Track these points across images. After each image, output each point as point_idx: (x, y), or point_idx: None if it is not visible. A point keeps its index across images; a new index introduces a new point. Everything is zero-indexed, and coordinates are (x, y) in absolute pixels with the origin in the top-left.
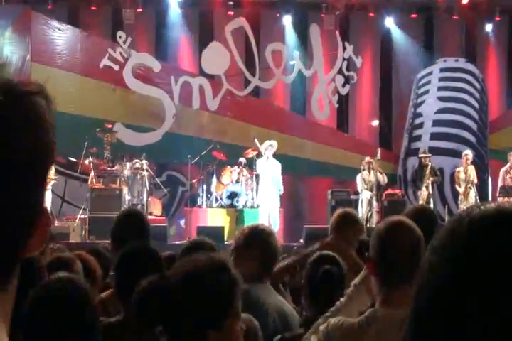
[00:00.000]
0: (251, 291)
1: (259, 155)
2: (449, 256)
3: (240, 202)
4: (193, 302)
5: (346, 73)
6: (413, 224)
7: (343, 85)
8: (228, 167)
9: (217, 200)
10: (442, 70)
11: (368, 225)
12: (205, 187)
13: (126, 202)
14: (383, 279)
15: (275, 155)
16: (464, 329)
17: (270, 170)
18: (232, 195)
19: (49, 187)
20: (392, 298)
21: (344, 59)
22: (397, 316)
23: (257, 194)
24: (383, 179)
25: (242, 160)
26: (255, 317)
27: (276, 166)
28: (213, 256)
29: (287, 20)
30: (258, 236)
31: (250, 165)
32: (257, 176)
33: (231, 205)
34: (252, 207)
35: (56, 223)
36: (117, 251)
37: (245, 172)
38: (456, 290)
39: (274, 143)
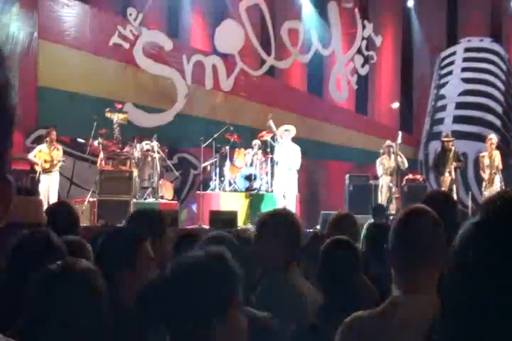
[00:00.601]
0: (285, 279)
1: (274, 137)
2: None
3: (255, 186)
4: (194, 293)
5: (366, 53)
6: (428, 211)
7: (362, 65)
8: (242, 149)
9: (230, 184)
10: (466, 50)
11: (388, 212)
12: (218, 170)
13: (137, 185)
14: (401, 268)
15: (293, 140)
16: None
17: (285, 156)
18: (250, 177)
19: (57, 168)
20: (412, 286)
21: (363, 38)
22: (419, 303)
23: (272, 178)
24: (404, 163)
25: (257, 142)
26: (293, 306)
27: (294, 151)
28: (210, 249)
29: None
30: (282, 223)
31: (265, 147)
32: (272, 159)
33: (247, 189)
34: (266, 191)
35: None
36: None
37: (260, 155)
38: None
39: (292, 128)
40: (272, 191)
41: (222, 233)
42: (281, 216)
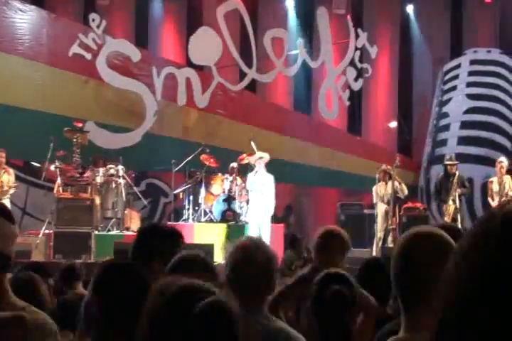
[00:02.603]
0: (269, 323)
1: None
2: (482, 255)
3: (234, 208)
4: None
5: (359, 65)
6: (438, 233)
7: (356, 79)
8: (219, 175)
9: (205, 214)
10: (472, 63)
11: (386, 244)
12: (191, 198)
13: (99, 215)
14: (402, 301)
15: (267, 168)
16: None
17: (259, 185)
18: (227, 200)
19: (7, 196)
20: (416, 322)
21: (357, 48)
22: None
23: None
24: (403, 191)
25: (236, 166)
26: None
27: (268, 180)
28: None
29: (290, 1)
30: (253, 259)
31: (245, 172)
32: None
33: (224, 217)
34: (247, 222)
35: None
36: None
37: (239, 180)
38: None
39: (266, 155)
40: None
41: (196, 253)
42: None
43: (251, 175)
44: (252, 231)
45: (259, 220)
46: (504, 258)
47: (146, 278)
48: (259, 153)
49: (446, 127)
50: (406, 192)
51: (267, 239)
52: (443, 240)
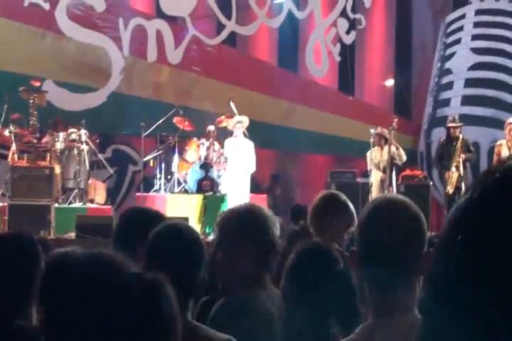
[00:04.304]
0: (251, 300)
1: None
2: (482, 211)
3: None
4: None
5: (352, 16)
6: (406, 202)
7: (348, 32)
8: (194, 139)
9: (179, 184)
10: (478, 13)
11: None
12: (163, 166)
13: (59, 186)
14: (373, 280)
15: (246, 134)
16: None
17: (239, 152)
18: (204, 168)
19: None
20: (389, 304)
21: None
22: (399, 327)
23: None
24: (400, 156)
25: (213, 129)
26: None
27: (248, 147)
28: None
29: None
30: (247, 225)
31: (225, 137)
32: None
33: (200, 185)
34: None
35: None
36: None
37: (217, 146)
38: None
39: (245, 119)
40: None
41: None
42: (246, 216)
43: (230, 140)
44: (231, 203)
45: (238, 191)
46: (505, 213)
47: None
48: (237, 117)
49: (449, 85)
50: (404, 157)
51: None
52: (402, 207)
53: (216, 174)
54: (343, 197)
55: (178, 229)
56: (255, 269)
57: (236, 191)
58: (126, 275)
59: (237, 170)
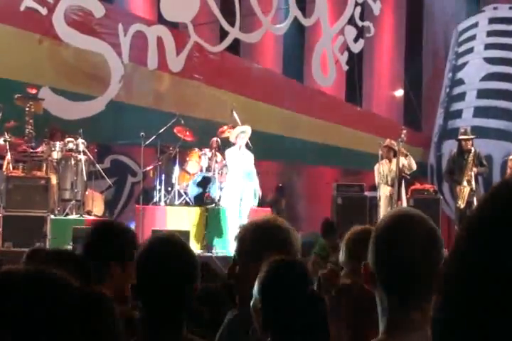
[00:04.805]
0: None
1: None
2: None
3: (212, 194)
4: None
5: (360, 23)
6: (423, 216)
7: (356, 40)
8: (196, 150)
9: (180, 195)
10: (492, 21)
11: None
12: (164, 177)
13: (56, 197)
14: (386, 296)
15: (249, 145)
16: None
17: (243, 163)
18: (204, 182)
19: None
20: (402, 321)
21: (357, 4)
22: None
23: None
24: (410, 165)
25: (215, 140)
26: None
27: (250, 159)
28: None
29: None
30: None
31: (226, 147)
32: None
33: (199, 198)
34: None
35: None
36: None
37: (219, 157)
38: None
39: (248, 129)
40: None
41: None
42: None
43: (232, 151)
44: (231, 218)
45: (245, 204)
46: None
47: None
48: (239, 128)
49: (461, 96)
50: (414, 166)
51: None
52: (420, 221)
53: (218, 186)
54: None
55: (167, 241)
56: None
57: (238, 204)
58: (69, 292)
59: (240, 182)
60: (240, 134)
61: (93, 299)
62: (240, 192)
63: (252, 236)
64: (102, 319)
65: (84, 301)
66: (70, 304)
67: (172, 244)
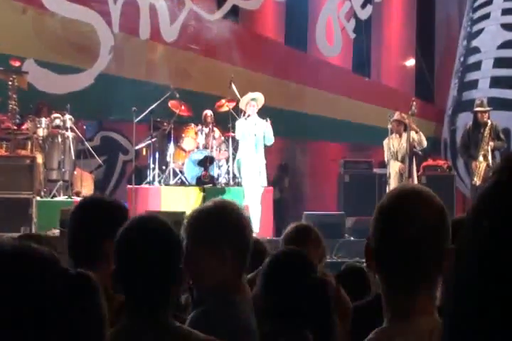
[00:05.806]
0: (229, 308)
1: (237, 107)
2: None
3: (211, 172)
4: None
5: None
6: (430, 193)
7: (363, 6)
8: (192, 126)
9: (175, 175)
10: None
11: None
12: (157, 155)
13: (42, 177)
14: (391, 279)
15: (263, 112)
16: None
17: (252, 134)
18: (205, 162)
19: None
20: (409, 306)
21: None
22: (418, 332)
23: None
24: (420, 142)
25: (210, 114)
26: None
27: (261, 128)
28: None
29: None
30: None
31: (224, 122)
32: (234, 139)
33: (200, 180)
34: (227, 184)
35: None
36: None
37: (217, 133)
38: None
39: (259, 97)
40: (235, 184)
41: None
42: (220, 212)
43: (241, 121)
44: (247, 195)
45: (251, 181)
46: None
47: None
48: (250, 94)
49: (477, 65)
50: (425, 143)
51: (258, 207)
52: (427, 199)
53: (216, 164)
54: (316, 231)
55: (150, 223)
56: (233, 275)
57: (251, 180)
58: (53, 271)
59: (250, 155)
60: (251, 101)
61: (80, 278)
62: (257, 166)
63: (201, 226)
64: (88, 299)
65: (71, 280)
66: (57, 281)
67: (153, 221)
